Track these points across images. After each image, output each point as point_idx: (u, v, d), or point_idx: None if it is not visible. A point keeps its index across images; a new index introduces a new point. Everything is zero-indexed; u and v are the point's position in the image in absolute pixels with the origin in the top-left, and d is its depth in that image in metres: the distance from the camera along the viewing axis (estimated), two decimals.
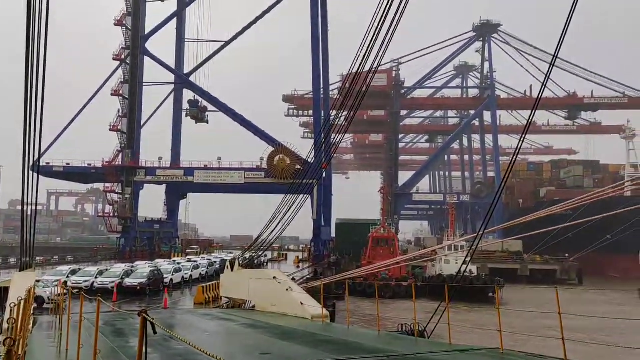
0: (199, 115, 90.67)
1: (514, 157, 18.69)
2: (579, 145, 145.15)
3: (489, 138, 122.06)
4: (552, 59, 15.25)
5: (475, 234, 21.34)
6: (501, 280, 50.90)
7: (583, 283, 67.06)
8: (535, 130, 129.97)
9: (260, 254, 45.65)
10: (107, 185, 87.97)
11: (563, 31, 13.00)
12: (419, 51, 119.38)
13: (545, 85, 17.03)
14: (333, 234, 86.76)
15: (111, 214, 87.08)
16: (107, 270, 40.07)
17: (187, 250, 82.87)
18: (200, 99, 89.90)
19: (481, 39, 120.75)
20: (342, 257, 69.86)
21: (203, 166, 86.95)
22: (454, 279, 43.37)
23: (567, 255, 69.58)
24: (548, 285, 59.54)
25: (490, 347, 12.90)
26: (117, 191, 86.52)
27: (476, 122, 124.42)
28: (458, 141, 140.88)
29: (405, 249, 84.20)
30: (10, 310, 7.65)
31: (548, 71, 15.61)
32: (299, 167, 76.28)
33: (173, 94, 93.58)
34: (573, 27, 12.13)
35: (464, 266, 20.26)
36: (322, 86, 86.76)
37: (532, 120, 17.35)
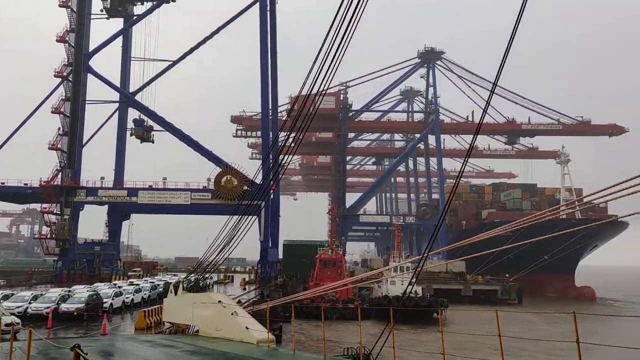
0: (144, 135, 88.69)
1: (457, 179, 19.25)
2: (518, 169, 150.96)
3: (433, 161, 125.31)
4: (492, 86, 15.88)
5: (421, 256, 21.72)
6: (445, 301, 51.77)
7: (523, 302, 69.17)
8: (477, 154, 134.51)
9: (205, 276, 44.80)
10: (45, 205, 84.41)
11: (503, 59, 13.58)
12: (366, 75, 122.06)
13: (485, 112, 17.69)
14: (280, 255, 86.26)
15: (48, 236, 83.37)
16: (42, 294, 38.27)
17: (129, 273, 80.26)
18: (146, 119, 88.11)
19: (425, 65, 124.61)
20: (289, 279, 69.34)
21: (147, 186, 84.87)
22: (399, 300, 43.94)
23: (507, 275, 71.74)
24: (490, 304, 61.11)
25: None
26: (55, 212, 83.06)
27: (421, 146, 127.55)
28: (404, 164, 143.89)
29: (352, 270, 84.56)
30: None
31: (488, 98, 16.23)
32: (246, 188, 75.74)
33: (117, 112, 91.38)
34: (512, 57, 12.70)
35: (409, 287, 20.56)
36: (270, 107, 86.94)
37: (473, 144, 17.95)
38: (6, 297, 36.64)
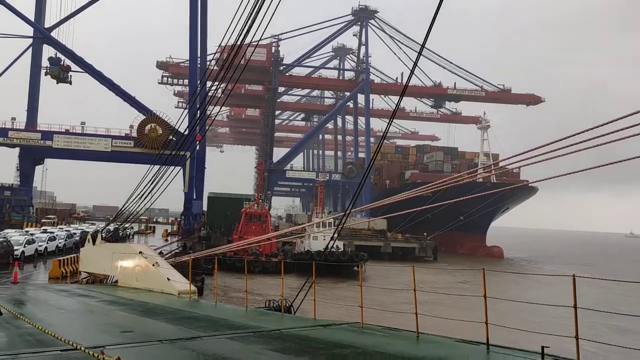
0: (60, 75, 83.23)
1: (382, 139, 19.67)
2: (442, 132, 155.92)
3: (361, 120, 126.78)
4: (420, 48, 16.10)
5: (344, 212, 22.17)
6: (365, 255, 53.56)
7: (438, 259, 72.83)
8: (404, 116, 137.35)
9: (125, 226, 43.67)
10: None
11: (432, 21, 13.73)
12: (299, 29, 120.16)
13: (412, 72, 17.88)
14: (205, 208, 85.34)
15: None
16: None
17: (43, 220, 76.76)
18: (63, 58, 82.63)
19: (359, 23, 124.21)
20: (213, 232, 69.01)
21: (64, 130, 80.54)
22: (321, 255, 44.93)
23: (425, 234, 74.97)
24: (407, 261, 63.88)
25: (351, 322, 13.56)
26: None
27: (350, 104, 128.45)
28: (332, 121, 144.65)
29: (277, 225, 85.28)
30: None
31: (416, 59, 16.48)
32: (171, 137, 73.55)
33: (31, 49, 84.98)
34: (440, 20, 12.84)
35: (331, 242, 21.02)
36: (199, 55, 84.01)
37: (399, 105, 18.25)
38: None
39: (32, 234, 44.81)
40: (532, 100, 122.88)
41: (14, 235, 42.16)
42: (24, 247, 38.96)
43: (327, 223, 51.33)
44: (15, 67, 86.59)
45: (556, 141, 12.90)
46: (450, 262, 68.16)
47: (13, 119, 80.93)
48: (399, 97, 18.86)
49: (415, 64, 17.94)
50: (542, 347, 9.27)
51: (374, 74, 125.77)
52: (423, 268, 39.67)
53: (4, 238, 38.64)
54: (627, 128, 10.90)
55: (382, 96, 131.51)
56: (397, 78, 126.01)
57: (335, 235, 20.79)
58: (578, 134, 12.33)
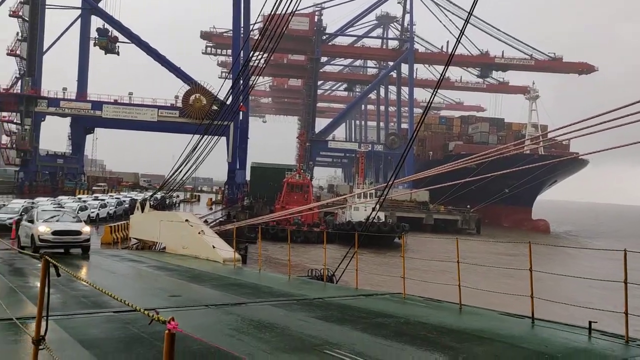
0: (108, 46, 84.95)
1: (426, 110, 19.35)
2: (488, 102, 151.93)
3: (405, 90, 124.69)
4: (467, 16, 15.62)
5: (386, 183, 22.09)
6: (406, 226, 53.39)
7: (481, 232, 71.96)
8: (449, 86, 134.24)
9: (171, 194, 44.71)
10: (4, 114, 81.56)
11: None
12: None
13: (459, 41, 17.27)
14: (248, 177, 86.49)
15: (8, 145, 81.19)
16: (4, 205, 37.76)
17: (94, 188, 79.51)
18: (110, 29, 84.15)
19: None
20: (256, 201, 70.01)
21: (113, 101, 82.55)
22: (362, 226, 45.07)
23: (468, 206, 74.00)
24: (450, 234, 63.37)
25: (393, 292, 13.63)
26: (15, 121, 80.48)
27: (394, 74, 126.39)
28: (375, 91, 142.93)
29: (319, 195, 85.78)
30: None
31: (463, 27, 15.92)
32: (215, 107, 74.41)
33: (80, 20, 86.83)
34: None
35: (373, 213, 21.03)
36: (242, 25, 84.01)
37: (444, 75, 17.82)
38: None
39: (84, 201, 46.54)
40: (584, 69, 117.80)
41: (68, 202, 43.86)
42: (77, 213, 40.53)
43: (369, 194, 51.27)
44: (64, 38, 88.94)
45: (609, 111, 12.38)
46: (493, 235, 67.26)
47: (64, 89, 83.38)
48: (444, 66, 18.41)
49: (462, 32, 17.37)
50: (590, 322, 9.11)
51: (418, 42, 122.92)
52: (466, 240, 39.24)
53: (58, 205, 40.28)
54: None
55: (427, 66, 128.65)
56: (442, 47, 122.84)
57: (377, 206, 20.80)
58: (633, 104, 11.80)
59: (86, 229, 21.05)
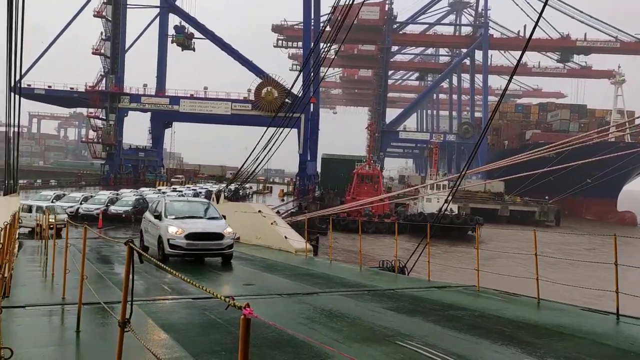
0: (185, 43, 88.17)
1: (501, 97, 18.67)
2: (568, 88, 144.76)
3: (479, 78, 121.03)
4: None
5: (458, 174, 21.61)
6: (480, 219, 52.01)
7: (560, 224, 68.90)
8: (526, 72, 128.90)
9: (244, 186, 45.82)
10: (91, 110, 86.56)
11: None
12: None
13: (537, 24, 16.41)
14: (319, 169, 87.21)
15: (95, 140, 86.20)
16: (92, 196, 40.13)
17: (172, 180, 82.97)
18: (186, 25, 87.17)
19: None
20: (327, 192, 70.50)
21: (189, 95, 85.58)
22: (434, 218, 44.40)
23: (547, 197, 71.00)
24: (526, 225, 61.10)
25: (466, 285, 13.34)
26: (100, 117, 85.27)
27: (467, 61, 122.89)
28: (448, 80, 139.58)
29: (389, 187, 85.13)
30: None
31: (541, 9, 15.12)
32: (287, 100, 75.47)
33: (158, 18, 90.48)
34: None
35: (445, 205, 20.65)
36: (312, 17, 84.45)
37: (520, 61, 17.07)
38: (58, 197, 38.58)
39: (163, 192, 48.68)
40: None
41: (149, 193, 46.04)
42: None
43: (442, 185, 50.34)
44: (143, 36, 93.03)
45: None
46: (574, 228, 64.18)
47: (145, 85, 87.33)
48: (520, 52, 17.66)
49: (540, 14, 16.56)
50: None
51: (493, 27, 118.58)
52: (544, 233, 37.76)
53: (140, 195, 42.37)
54: None
55: (502, 51, 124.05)
56: (518, 31, 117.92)
57: (450, 197, 20.38)
58: None
59: (228, 229, 15.80)
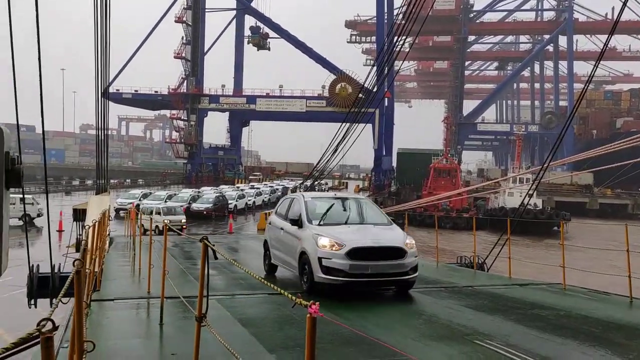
0: (260, 42, 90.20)
1: (587, 83, 17.60)
2: None
3: (563, 65, 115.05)
4: None
5: (540, 167, 20.63)
6: (567, 214, 49.48)
7: None
8: (615, 56, 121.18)
9: (320, 182, 46.24)
10: (173, 112, 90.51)
11: None
12: None
13: (625, 4, 15.26)
14: (394, 164, 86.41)
15: (177, 140, 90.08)
16: (175, 194, 41.99)
17: (250, 177, 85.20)
18: (261, 26, 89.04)
19: None
20: (403, 187, 69.69)
21: (265, 94, 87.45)
22: (516, 212, 42.74)
23: None
24: (618, 219, 57.49)
25: (551, 282, 12.71)
26: (182, 118, 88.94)
27: (550, 48, 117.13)
28: (529, 68, 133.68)
29: (468, 180, 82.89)
30: (86, 232, 8.16)
31: None
32: (361, 95, 75.24)
33: (235, 20, 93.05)
34: None
35: (527, 198, 19.78)
36: (385, 10, 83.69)
37: (607, 45, 16.00)
38: (145, 196, 40.68)
39: (242, 190, 50.07)
40: None
41: (228, 191, 47.56)
42: (236, 201, 43.79)
43: (525, 179, 48.34)
44: (220, 39, 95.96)
45: None
46: None
47: (223, 86, 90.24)
48: (607, 35, 16.55)
49: None
50: None
51: (577, 11, 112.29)
52: (638, 227, 35.43)
53: (220, 193, 43.83)
54: None
55: (588, 36, 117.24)
56: (606, 14, 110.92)
57: (532, 192, 19.51)
58: None
59: (409, 240, 10.11)
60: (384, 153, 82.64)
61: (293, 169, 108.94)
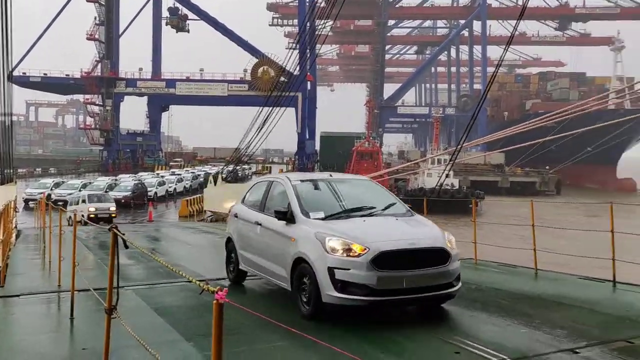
0: (179, 24, 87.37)
1: (497, 68, 18.40)
2: (568, 56, 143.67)
3: (477, 49, 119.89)
4: None
5: (455, 148, 21.45)
6: (481, 193, 51.99)
7: (561, 194, 68.94)
8: (524, 41, 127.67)
9: (243, 167, 45.74)
10: (87, 96, 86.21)
11: None
12: None
13: None
14: (317, 147, 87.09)
15: (92, 126, 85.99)
16: (90, 183, 40.14)
17: (171, 163, 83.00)
18: (180, 7, 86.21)
19: None
20: (326, 170, 70.51)
21: (185, 78, 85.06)
22: (434, 192, 44.32)
23: (547, 167, 70.92)
24: (527, 196, 61.03)
25: (464, 258, 13.30)
26: (97, 103, 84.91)
27: (465, 33, 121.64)
28: (446, 52, 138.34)
29: (389, 162, 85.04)
30: None
31: None
32: (283, 79, 74.83)
33: (152, 0, 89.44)
34: None
35: (444, 178, 20.56)
36: None
37: (516, 30, 16.85)
38: (57, 185, 38.60)
39: (162, 177, 48.67)
40: None
41: (147, 178, 46.06)
42: (156, 188, 42.52)
43: (443, 159, 50.18)
44: (137, 19, 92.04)
45: None
46: (575, 197, 64.18)
47: (140, 69, 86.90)
48: (520, 21, 17.34)
49: None
50: None
51: None
52: (543, 202, 37.73)
53: (139, 180, 42.37)
54: None
55: (501, 21, 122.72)
56: (517, 0, 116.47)
57: (449, 172, 20.27)
58: None
59: (451, 237, 7.51)
60: (307, 137, 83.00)
61: (221, 154, 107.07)
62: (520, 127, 22.24)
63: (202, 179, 51.27)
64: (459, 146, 17.43)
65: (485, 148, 69.57)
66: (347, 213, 7.55)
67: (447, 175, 20.65)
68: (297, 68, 40.23)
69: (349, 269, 6.54)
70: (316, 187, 8.34)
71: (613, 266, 9.51)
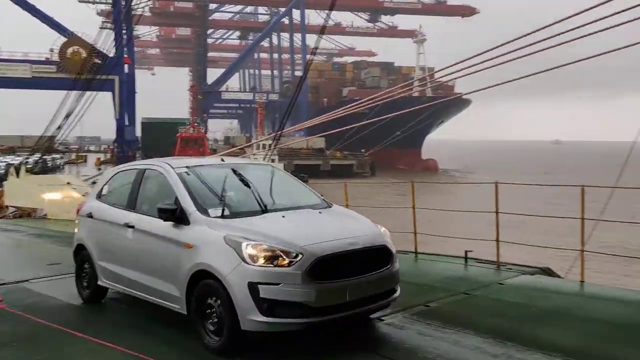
0: None
1: (312, 55, 19.21)
2: (379, 47, 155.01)
3: (298, 37, 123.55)
4: None
5: (275, 133, 21.95)
6: (305, 176, 54.14)
7: (376, 174, 74.74)
8: (340, 31, 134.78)
9: (53, 156, 41.78)
10: None
11: None
12: None
13: None
14: (139, 134, 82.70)
15: None
16: None
17: None
18: None
19: None
20: (149, 158, 67.47)
21: None
22: None
23: (362, 150, 76.19)
24: (346, 178, 65.03)
25: None
26: None
27: (286, 21, 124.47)
28: (268, 39, 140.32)
29: (215, 149, 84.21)
30: None
31: None
32: (98, 60, 69.41)
33: None
34: None
35: (267, 161, 20.90)
36: None
37: (328, 20, 17.73)
38: None
39: None
40: (467, 11, 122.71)
41: None
42: None
43: (267, 144, 50.99)
44: None
45: (487, 51, 12.80)
46: (387, 177, 70.03)
47: None
48: (338, 12, 18.22)
49: None
50: (465, 252, 9.76)
51: None
52: (359, 184, 40.58)
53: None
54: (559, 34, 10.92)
55: (318, 11, 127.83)
56: None
57: (273, 156, 20.70)
58: (504, 44, 12.32)
59: (385, 230, 6.27)
60: (127, 123, 78.08)
61: (31, 143, 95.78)
62: (336, 113, 23.46)
63: (2, 171, 45.70)
64: (279, 131, 17.87)
65: (307, 133, 72.48)
66: (261, 208, 5.90)
67: (272, 160, 21.06)
68: (113, 49, 37.64)
69: (278, 284, 4.95)
70: (209, 176, 6.33)
71: (415, 239, 10.57)
